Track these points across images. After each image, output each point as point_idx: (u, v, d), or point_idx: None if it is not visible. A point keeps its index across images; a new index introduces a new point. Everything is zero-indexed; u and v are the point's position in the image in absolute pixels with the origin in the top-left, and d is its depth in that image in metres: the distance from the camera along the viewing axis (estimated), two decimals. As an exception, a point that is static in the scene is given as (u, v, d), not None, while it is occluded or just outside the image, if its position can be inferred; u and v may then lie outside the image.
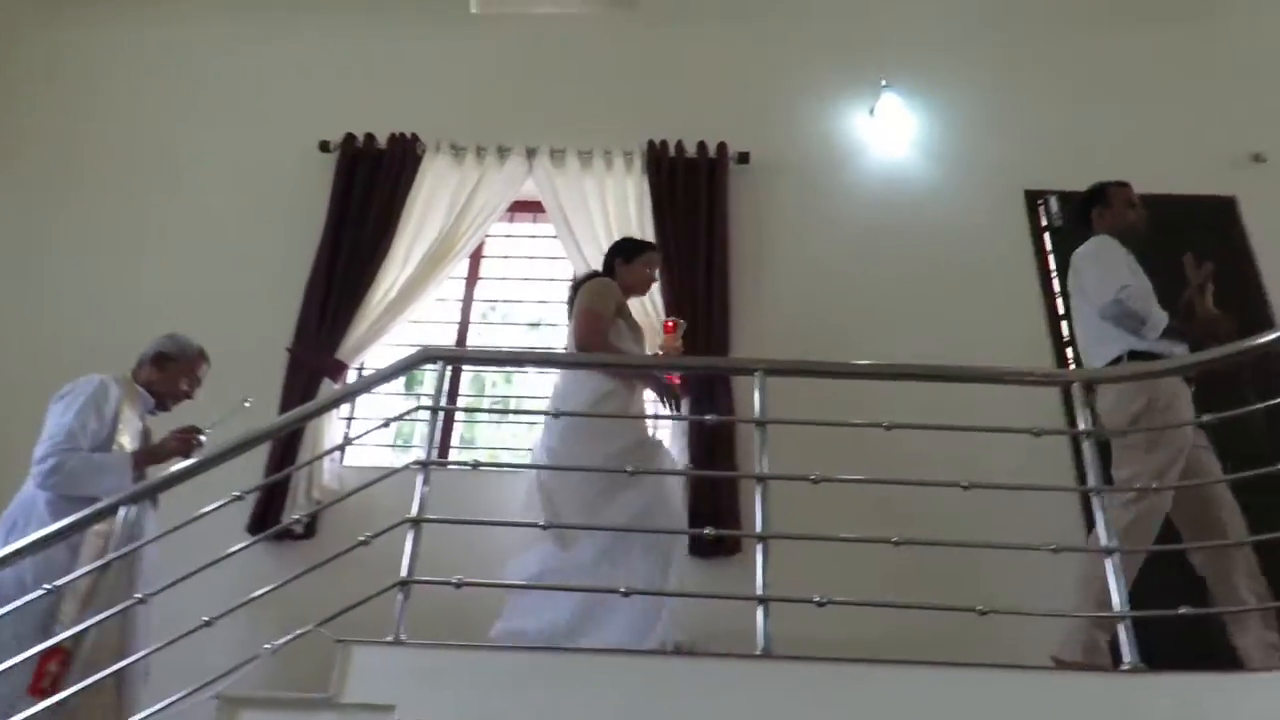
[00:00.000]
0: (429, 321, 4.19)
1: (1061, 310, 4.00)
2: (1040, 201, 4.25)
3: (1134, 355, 2.95)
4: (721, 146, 4.27)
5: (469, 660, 2.11)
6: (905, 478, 2.51)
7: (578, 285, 3.31)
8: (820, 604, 2.29)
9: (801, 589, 2.16)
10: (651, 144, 4.26)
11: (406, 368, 2.70)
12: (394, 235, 4.06)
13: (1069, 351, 3.92)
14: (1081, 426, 2.51)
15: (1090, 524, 2.94)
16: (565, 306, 3.34)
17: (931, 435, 2.45)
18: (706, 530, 2.45)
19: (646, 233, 4.02)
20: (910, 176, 4.37)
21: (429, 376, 2.64)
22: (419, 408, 2.57)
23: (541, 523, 2.57)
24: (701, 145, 4.26)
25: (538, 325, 4.30)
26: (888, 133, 4.42)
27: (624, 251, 3.41)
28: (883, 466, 2.51)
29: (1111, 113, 4.49)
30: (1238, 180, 4.24)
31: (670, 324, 3.37)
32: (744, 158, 4.29)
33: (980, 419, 2.54)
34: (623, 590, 2.24)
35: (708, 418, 2.61)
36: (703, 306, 3.86)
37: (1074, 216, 4.13)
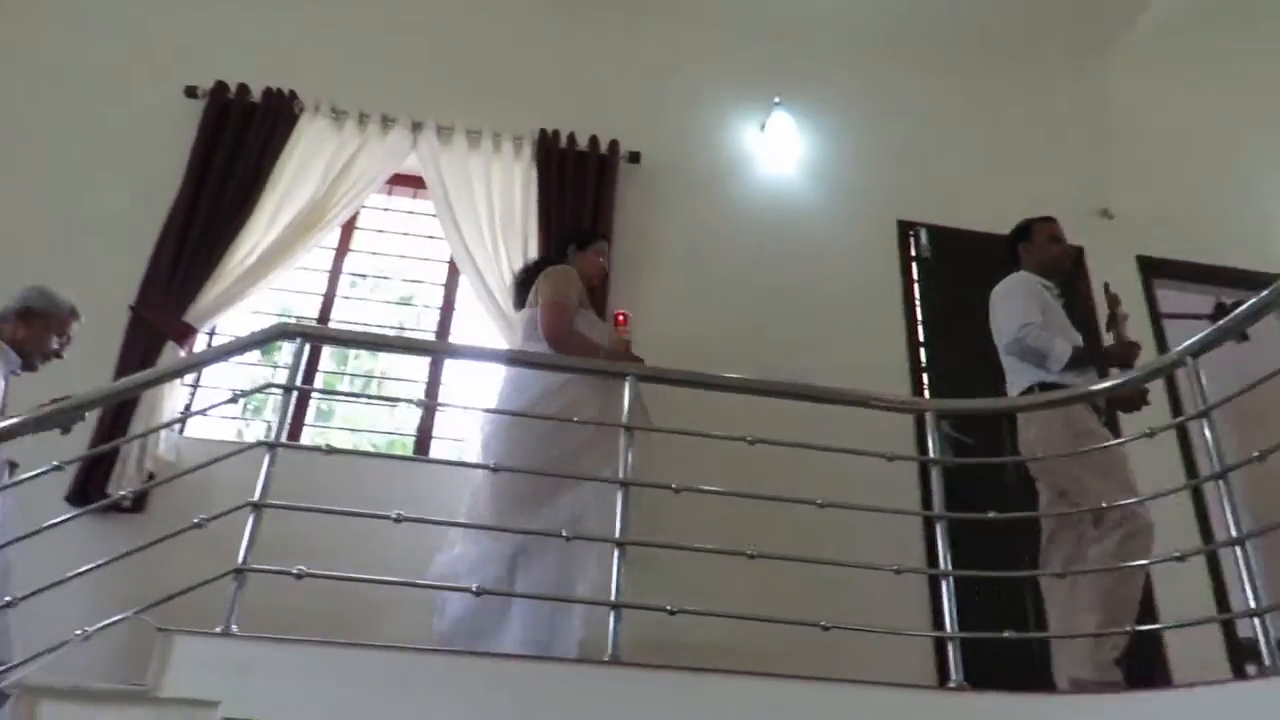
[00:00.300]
0: (291, 290, 3.98)
1: (922, 338, 4.20)
2: (911, 233, 4.43)
3: (1044, 386, 3.08)
4: (614, 144, 4.24)
5: (304, 655, 1.99)
6: (768, 492, 2.56)
7: (529, 272, 3.23)
8: (671, 612, 2.31)
9: (674, 596, 2.17)
10: (544, 133, 4.18)
11: (261, 342, 2.55)
12: (260, 196, 3.82)
13: (925, 378, 4.12)
14: (931, 454, 2.65)
15: (931, 547, 3.10)
16: (513, 290, 3.32)
17: (797, 452, 2.51)
18: (563, 533, 2.41)
19: (530, 222, 3.96)
20: (795, 195, 4.47)
21: (288, 346, 2.50)
22: (270, 386, 2.43)
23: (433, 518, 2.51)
24: (594, 140, 4.22)
25: (408, 303, 4.16)
26: (777, 150, 4.51)
27: (579, 238, 3.38)
28: (748, 480, 2.54)
29: (982, 156, 4.73)
30: (1087, 232, 4.55)
31: (621, 316, 3.28)
32: (635, 157, 4.28)
33: (844, 439, 2.64)
34: (475, 589, 2.20)
35: (575, 420, 2.56)
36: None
37: (941, 251, 4.37)
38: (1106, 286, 3.38)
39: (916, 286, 4.34)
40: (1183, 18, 5.09)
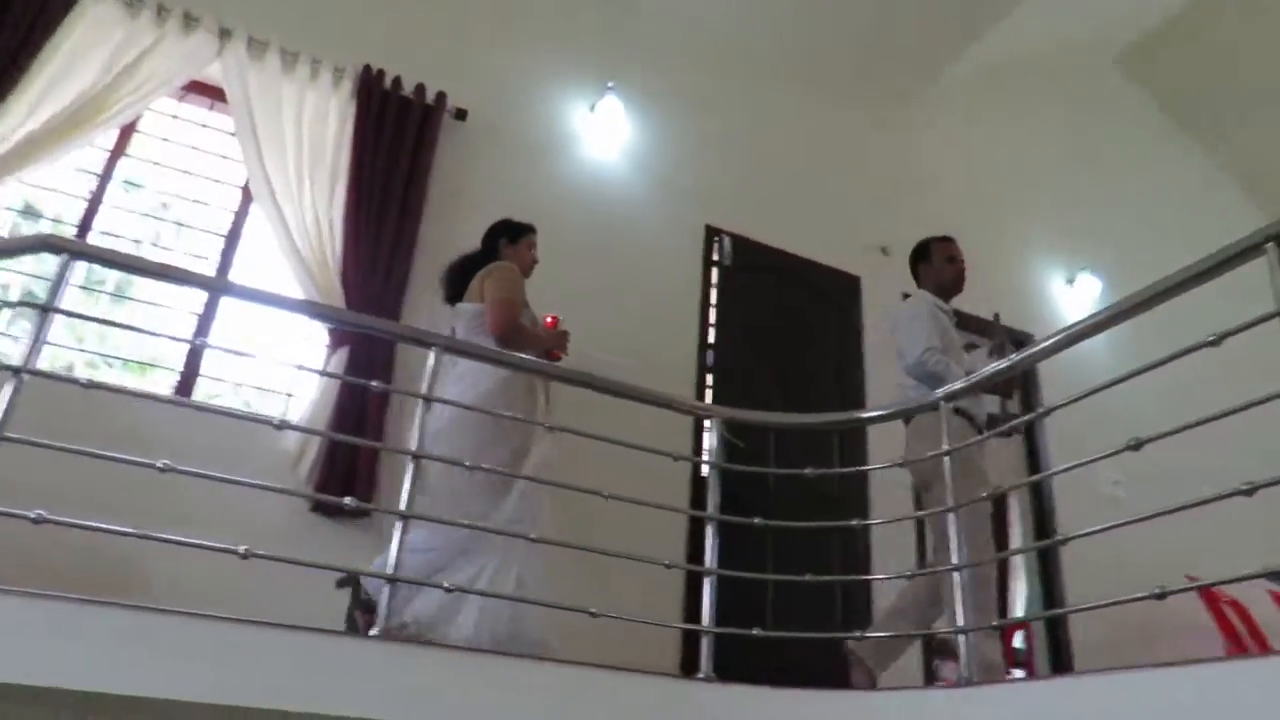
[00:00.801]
0: (47, 188, 3.52)
1: (712, 340, 4.43)
2: (716, 239, 4.64)
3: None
4: (441, 96, 4.08)
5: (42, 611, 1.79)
6: (560, 479, 2.61)
7: (464, 266, 3.20)
8: (448, 590, 2.31)
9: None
10: (367, 70, 3.95)
11: (16, 251, 2.24)
12: (20, 78, 3.32)
13: (709, 378, 4.34)
14: (706, 457, 2.82)
15: (695, 546, 3.29)
16: (440, 286, 3.24)
17: (586, 442, 2.57)
18: (347, 500, 2.33)
19: (342, 159, 3.75)
20: (614, 182, 4.53)
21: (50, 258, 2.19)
22: (22, 304, 2.14)
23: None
24: (420, 88, 4.04)
25: (184, 226, 3.79)
26: (604, 134, 4.55)
27: (509, 232, 3.32)
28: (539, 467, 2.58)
29: (790, 178, 5.04)
30: (867, 265, 4.98)
31: (552, 320, 3.26)
32: (461, 114, 4.15)
33: (620, 432, 2.71)
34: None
35: (374, 384, 2.47)
36: (387, 251, 3.69)
37: (740, 259, 4.61)
38: (997, 317, 3.56)
39: (714, 290, 4.56)
40: (983, 79, 5.69)
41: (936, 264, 3.45)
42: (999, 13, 5.03)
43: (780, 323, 4.62)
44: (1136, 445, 1.94)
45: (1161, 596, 1.78)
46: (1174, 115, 6.78)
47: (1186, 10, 6.03)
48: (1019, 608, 5.00)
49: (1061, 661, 4.51)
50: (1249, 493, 1.69)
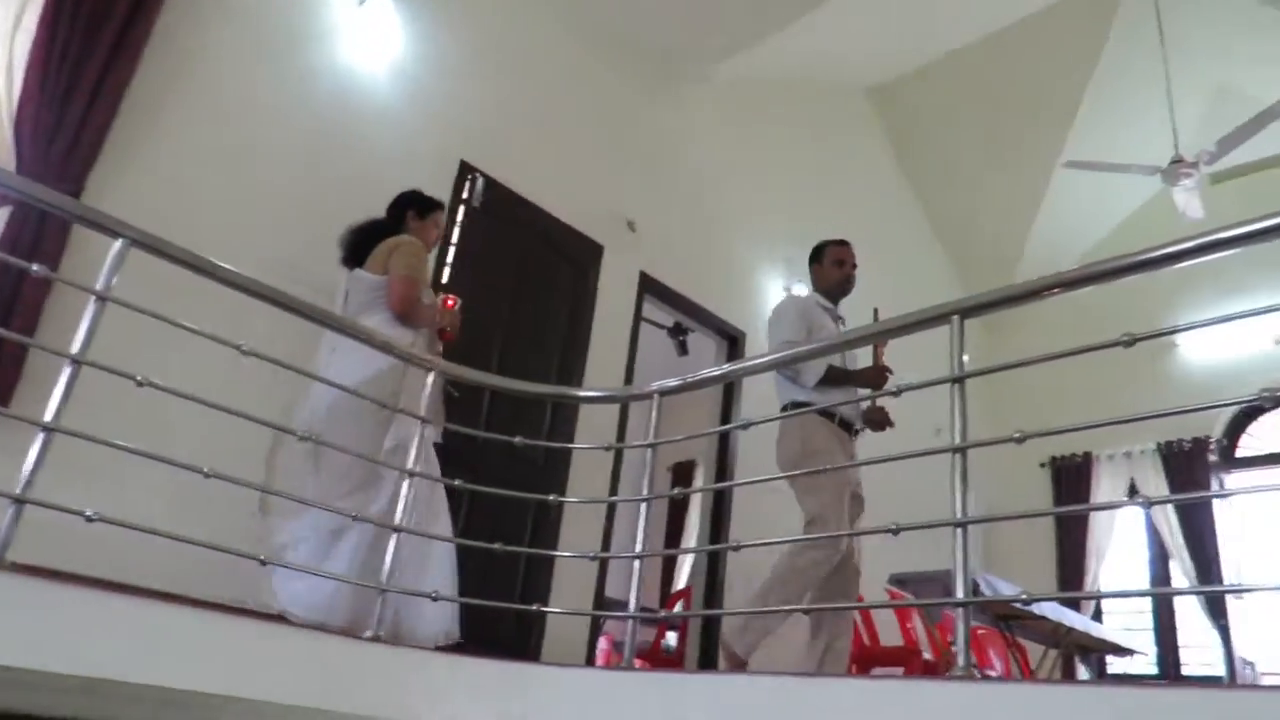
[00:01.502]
0: None
1: (445, 280, 4.26)
2: (471, 176, 4.46)
3: (795, 404, 3.29)
4: (176, -49, 3.48)
5: None
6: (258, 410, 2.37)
7: (364, 234, 3.20)
8: (90, 519, 2.03)
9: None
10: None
11: None
12: None
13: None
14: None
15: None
16: (342, 246, 3.24)
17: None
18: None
19: (28, 18, 3.07)
20: (372, 90, 4.16)
21: None
22: None
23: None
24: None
25: None
26: (369, 36, 4.16)
27: (417, 205, 3.35)
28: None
29: (559, 134, 4.96)
30: (612, 234, 5.05)
31: (450, 300, 3.26)
32: (200, -21, 3.58)
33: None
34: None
35: (34, 267, 2.07)
36: (77, 112, 3.09)
37: (491, 203, 4.47)
38: (876, 312, 3.62)
39: (457, 230, 4.39)
40: (753, 83, 5.94)
41: (826, 266, 3.64)
42: (776, 25, 5.27)
43: (518, 278, 4.56)
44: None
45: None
46: (900, 158, 7.57)
47: (933, 65, 6.73)
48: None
49: (710, 658, 4.83)
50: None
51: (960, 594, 1.75)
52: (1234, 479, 6.72)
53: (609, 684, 2.25)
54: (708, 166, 5.87)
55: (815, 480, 3.08)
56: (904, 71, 6.91)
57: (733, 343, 5.78)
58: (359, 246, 3.19)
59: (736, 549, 2.58)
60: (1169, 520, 6.62)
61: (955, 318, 2.02)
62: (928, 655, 5.11)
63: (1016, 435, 1.84)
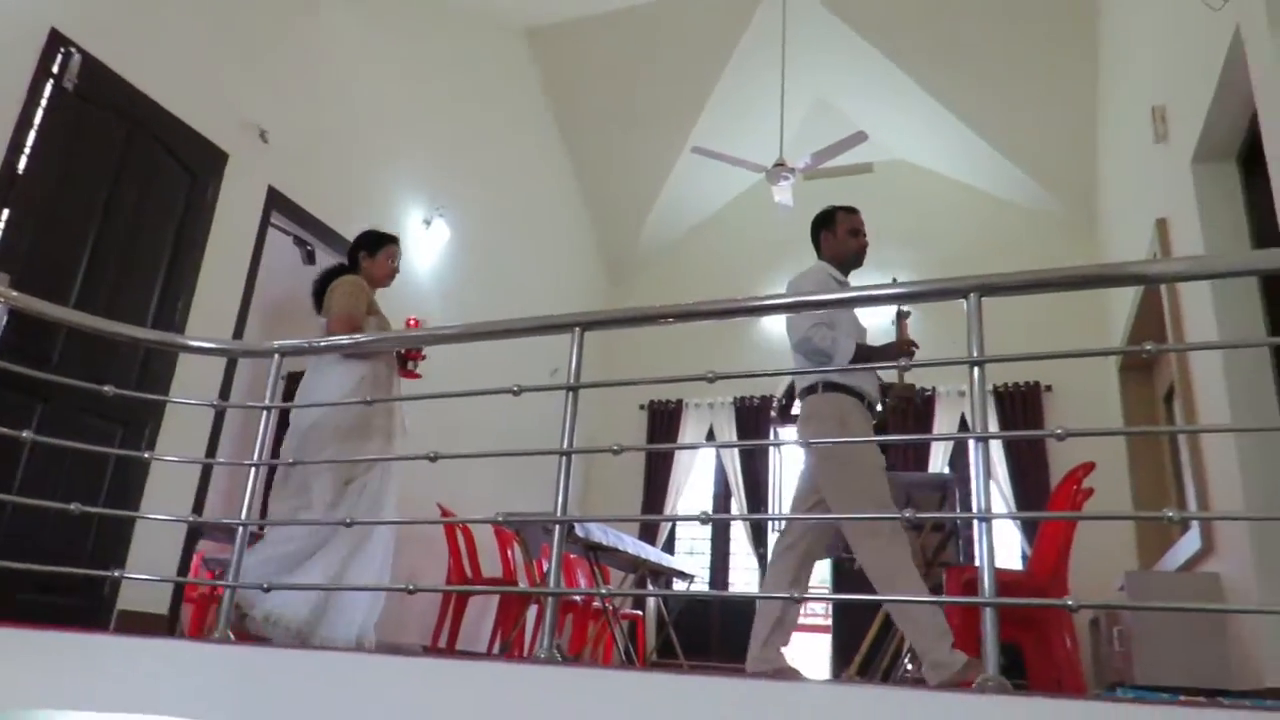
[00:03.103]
0: None
1: (21, 171, 3.59)
2: (64, 50, 3.76)
3: (828, 386, 3.00)
4: None
5: None
6: None
7: (324, 280, 3.44)
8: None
9: None
10: None
11: None
12: None
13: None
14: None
15: None
16: (312, 297, 3.46)
17: None
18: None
19: None
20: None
21: None
22: None
23: None
24: None
25: None
26: None
27: (367, 245, 3.56)
28: None
29: (182, 9, 4.33)
30: (240, 143, 4.60)
31: (413, 321, 3.46)
32: None
33: None
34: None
35: None
36: None
37: (90, 88, 3.82)
38: (895, 279, 3.53)
39: (41, 111, 3.68)
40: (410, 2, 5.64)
41: (840, 235, 3.28)
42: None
43: (118, 181, 3.96)
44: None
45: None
46: (554, 103, 7.76)
47: (593, 19, 6.94)
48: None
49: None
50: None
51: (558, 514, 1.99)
52: (786, 431, 8.09)
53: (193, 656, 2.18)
54: (355, 86, 5.55)
55: (860, 472, 2.88)
56: (565, 18, 7.06)
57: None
58: (319, 295, 3.44)
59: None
60: (734, 463, 7.79)
61: (576, 329, 2.22)
62: (524, 584, 5.58)
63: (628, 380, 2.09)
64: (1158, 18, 4.45)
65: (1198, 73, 3.64)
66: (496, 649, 5.66)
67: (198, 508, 4.05)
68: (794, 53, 6.78)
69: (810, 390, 3.05)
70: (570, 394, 2.13)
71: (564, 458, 2.09)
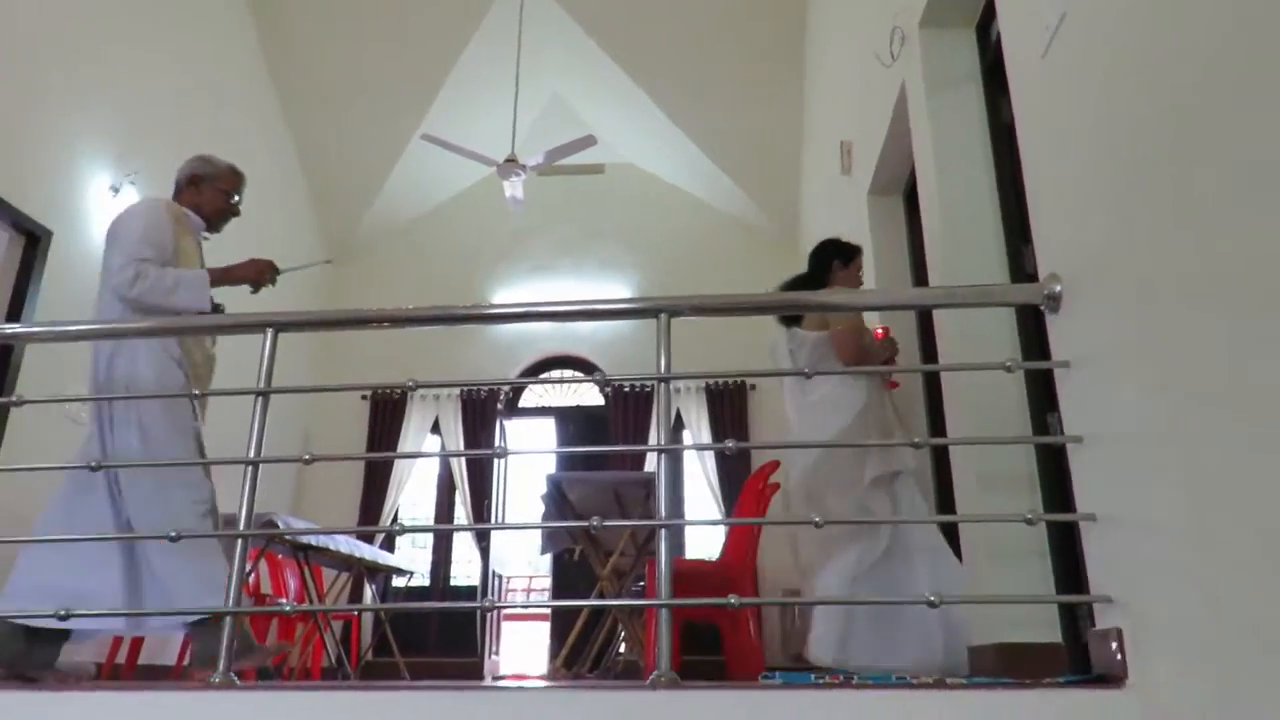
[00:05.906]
0: None
1: None
2: None
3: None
4: None
5: None
6: None
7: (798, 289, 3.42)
8: None
9: None
10: None
11: None
12: None
13: None
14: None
15: None
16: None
17: None
18: None
19: None
20: None
21: None
22: None
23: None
24: None
25: None
26: None
27: (839, 254, 3.45)
28: None
29: None
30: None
31: (881, 331, 3.53)
32: None
33: None
34: None
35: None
36: None
37: None
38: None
39: None
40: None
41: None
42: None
43: None
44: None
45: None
46: (273, 70, 7.20)
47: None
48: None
49: None
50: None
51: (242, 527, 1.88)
52: (512, 424, 8.14)
53: None
54: (37, 30, 4.81)
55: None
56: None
57: (34, 241, 4.89)
58: None
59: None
60: (460, 458, 7.72)
61: (269, 330, 2.09)
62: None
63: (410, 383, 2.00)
64: (847, 59, 4.99)
65: (875, 115, 4.12)
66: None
67: None
68: (530, 48, 6.81)
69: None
70: (260, 399, 2.01)
71: (250, 467, 1.96)
